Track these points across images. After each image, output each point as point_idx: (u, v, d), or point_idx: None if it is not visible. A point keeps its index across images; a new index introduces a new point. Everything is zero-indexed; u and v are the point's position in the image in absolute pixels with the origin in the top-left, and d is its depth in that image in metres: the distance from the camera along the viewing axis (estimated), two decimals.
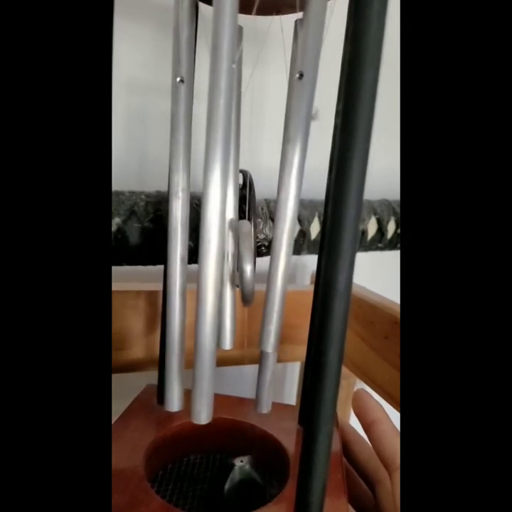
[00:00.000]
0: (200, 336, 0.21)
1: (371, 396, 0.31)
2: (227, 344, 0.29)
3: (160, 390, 0.32)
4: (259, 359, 0.26)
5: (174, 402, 0.26)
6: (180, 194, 0.24)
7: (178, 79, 0.23)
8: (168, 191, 0.24)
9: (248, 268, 0.24)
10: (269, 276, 0.24)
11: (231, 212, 0.27)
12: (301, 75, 0.21)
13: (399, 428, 0.27)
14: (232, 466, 0.27)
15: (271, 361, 0.26)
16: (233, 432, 0.31)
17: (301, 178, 0.22)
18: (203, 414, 0.21)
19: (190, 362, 0.27)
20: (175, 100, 0.24)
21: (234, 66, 0.19)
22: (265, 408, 0.28)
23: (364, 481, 0.32)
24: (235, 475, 0.27)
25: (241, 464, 0.27)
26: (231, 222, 0.27)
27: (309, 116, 0.21)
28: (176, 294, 0.25)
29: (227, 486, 0.26)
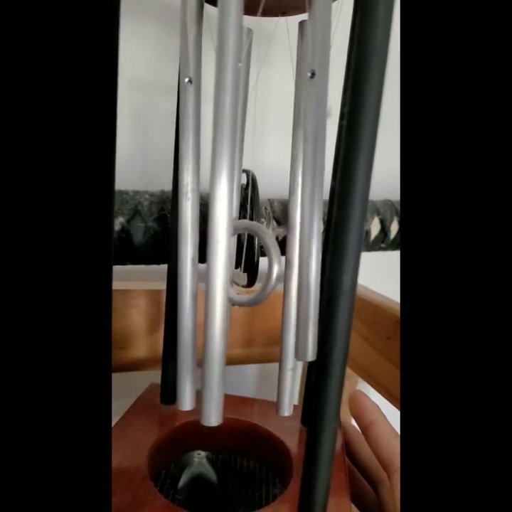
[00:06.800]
0: (210, 337, 0.21)
1: (368, 397, 0.31)
2: None
3: (163, 388, 0.32)
4: (280, 364, 0.27)
5: (186, 402, 0.26)
6: (189, 195, 0.24)
7: (187, 79, 0.23)
8: (177, 192, 0.24)
9: (276, 267, 0.24)
10: (299, 283, 0.23)
11: (232, 212, 0.27)
12: (313, 74, 0.21)
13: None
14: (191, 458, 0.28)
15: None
16: (236, 432, 0.31)
17: (322, 178, 0.22)
18: (212, 418, 0.22)
19: (198, 360, 0.27)
20: (183, 101, 0.24)
21: (240, 65, 0.19)
22: (287, 411, 0.29)
23: (366, 481, 0.32)
24: (195, 468, 0.28)
25: (199, 456, 0.28)
26: (235, 221, 0.27)
27: (324, 114, 0.21)
28: (187, 295, 0.25)
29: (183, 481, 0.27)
